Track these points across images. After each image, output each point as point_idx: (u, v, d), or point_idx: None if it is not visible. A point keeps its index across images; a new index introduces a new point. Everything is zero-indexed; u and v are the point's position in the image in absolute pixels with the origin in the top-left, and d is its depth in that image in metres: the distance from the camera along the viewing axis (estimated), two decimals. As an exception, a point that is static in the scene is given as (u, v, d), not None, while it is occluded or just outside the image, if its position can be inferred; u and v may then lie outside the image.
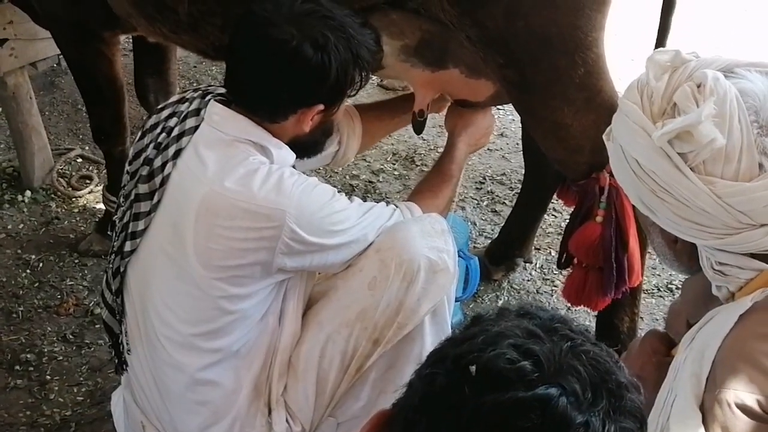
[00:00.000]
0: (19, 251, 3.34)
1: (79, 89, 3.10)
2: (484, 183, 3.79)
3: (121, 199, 2.12)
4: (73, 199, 3.65)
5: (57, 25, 2.89)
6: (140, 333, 2.07)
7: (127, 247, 2.05)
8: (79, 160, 3.91)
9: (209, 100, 2.01)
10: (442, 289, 2.08)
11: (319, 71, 1.87)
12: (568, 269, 2.55)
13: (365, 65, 1.95)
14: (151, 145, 2.05)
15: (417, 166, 3.93)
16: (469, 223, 3.50)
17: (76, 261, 3.29)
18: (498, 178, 3.82)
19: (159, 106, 2.15)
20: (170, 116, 2.07)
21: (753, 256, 1.38)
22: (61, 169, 3.80)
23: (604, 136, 1.57)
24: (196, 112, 2.02)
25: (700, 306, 1.52)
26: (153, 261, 2.02)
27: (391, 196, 3.72)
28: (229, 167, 1.90)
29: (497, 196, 3.70)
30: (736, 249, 1.38)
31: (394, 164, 3.96)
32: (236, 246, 1.89)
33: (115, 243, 2.11)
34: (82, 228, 3.48)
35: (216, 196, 1.88)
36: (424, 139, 4.06)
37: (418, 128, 2.59)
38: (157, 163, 2.01)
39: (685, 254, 1.51)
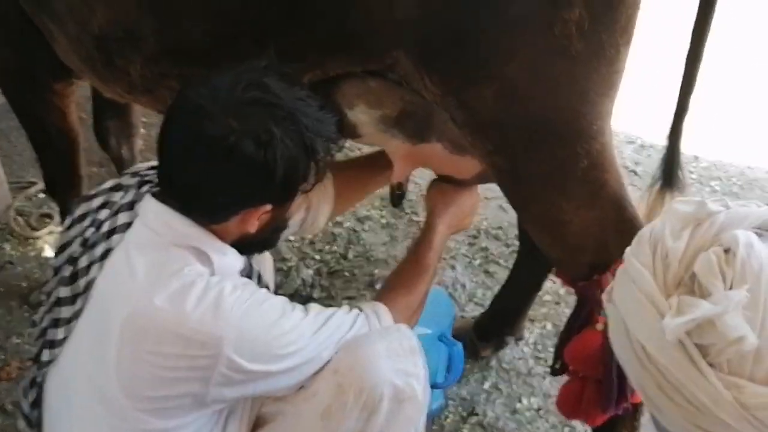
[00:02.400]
0: (-35, 301, 3.06)
1: (28, 139, 2.74)
2: (478, 238, 3.48)
3: (43, 296, 1.84)
4: (30, 240, 3.36)
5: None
6: (55, 458, 1.79)
7: (45, 356, 1.77)
8: (41, 195, 3.61)
9: (146, 191, 1.73)
10: (409, 422, 1.77)
11: (263, 171, 1.57)
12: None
13: (320, 158, 1.66)
14: (78, 241, 1.77)
15: (407, 214, 3.61)
16: (459, 286, 3.20)
17: (26, 314, 3.00)
18: (494, 232, 3.51)
19: (91, 192, 1.85)
20: (101, 206, 1.79)
21: None
22: (20, 206, 3.51)
23: (603, 296, 1.27)
24: (130, 206, 1.74)
25: None
26: (73, 378, 1.72)
27: (376, 247, 3.42)
28: (161, 280, 1.60)
29: (491, 253, 3.39)
30: None
31: (382, 211, 3.64)
32: (164, 375, 1.59)
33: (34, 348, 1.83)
34: (36, 275, 3.19)
35: (143, 315, 1.58)
36: (416, 183, 3.76)
37: (396, 202, 2.32)
38: (83, 263, 1.73)
39: None
